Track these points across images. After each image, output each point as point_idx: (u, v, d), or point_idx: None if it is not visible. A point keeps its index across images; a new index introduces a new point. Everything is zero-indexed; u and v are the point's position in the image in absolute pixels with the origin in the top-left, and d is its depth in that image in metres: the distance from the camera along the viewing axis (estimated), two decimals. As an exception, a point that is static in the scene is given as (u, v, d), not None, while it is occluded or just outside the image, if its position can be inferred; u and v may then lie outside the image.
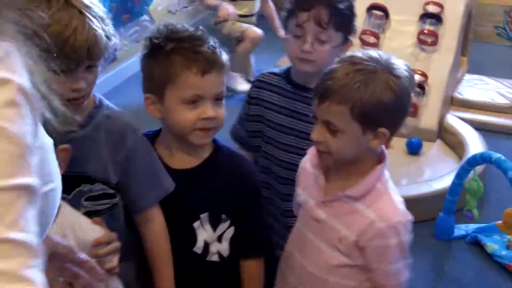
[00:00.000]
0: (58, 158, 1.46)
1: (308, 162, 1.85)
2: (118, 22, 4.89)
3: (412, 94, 1.73)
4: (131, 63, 4.88)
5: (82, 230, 1.59)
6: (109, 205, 1.79)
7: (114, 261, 1.61)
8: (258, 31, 4.75)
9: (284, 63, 3.82)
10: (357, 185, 1.70)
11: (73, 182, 1.73)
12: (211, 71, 1.76)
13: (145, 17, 5.35)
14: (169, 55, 1.76)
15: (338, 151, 1.68)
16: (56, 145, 1.49)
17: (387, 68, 1.65)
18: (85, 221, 1.63)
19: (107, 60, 1.76)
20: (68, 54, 1.58)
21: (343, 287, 1.76)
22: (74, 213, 1.63)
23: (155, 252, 1.82)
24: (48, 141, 1.06)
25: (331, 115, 1.65)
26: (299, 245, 1.84)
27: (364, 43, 4.15)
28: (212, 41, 1.80)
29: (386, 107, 1.64)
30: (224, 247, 1.90)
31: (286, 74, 2.15)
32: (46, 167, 1.02)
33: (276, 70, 2.23)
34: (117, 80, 4.82)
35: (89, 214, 1.72)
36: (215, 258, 1.90)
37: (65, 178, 1.59)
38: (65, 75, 1.56)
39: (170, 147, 1.87)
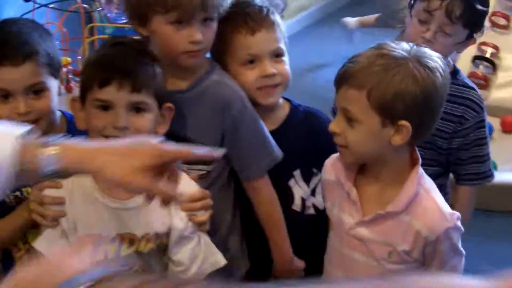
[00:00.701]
0: (163, 115, 1.62)
1: (330, 172, 1.76)
2: None
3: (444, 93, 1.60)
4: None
5: (180, 184, 1.61)
6: (205, 172, 1.83)
7: (205, 215, 1.68)
8: None
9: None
10: (397, 198, 1.61)
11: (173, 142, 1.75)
12: (260, 29, 1.83)
13: None
14: (219, 25, 1.81)
15: (356, 144, 1.59)
16: (162, 103, 1.59)
17: (417, 58, 1.56)
18: (183, 176, 1.66)
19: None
20: (183, 4, 1.67)
21: None
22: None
23: (268, 217, 1.89)
24: None
25: (348, 101, 1.57)
26: (341, 264, 1.75)
27: (494, 25, 4.01)
28: (259, 2, 1.87)
29: (407, 98, 1.53)
30: (318, 200, 1.94)
31: None
32: None
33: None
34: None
35: None
36: (311, 211, 1.96)
37: (166, 137, 1.66)
38: (182, 26, 1.70)
39: None
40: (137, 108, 1.62)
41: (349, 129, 1.58)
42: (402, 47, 1.58)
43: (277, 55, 1.87)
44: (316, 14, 5.87)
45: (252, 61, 1.84)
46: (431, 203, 1.63)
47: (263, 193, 1.88)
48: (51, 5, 2.89)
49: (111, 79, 1.59)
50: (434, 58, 1.59)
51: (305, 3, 5.84)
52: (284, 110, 1.96)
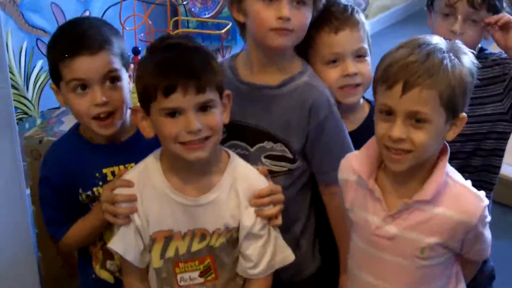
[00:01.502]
0: (224, 104, 1.63)
1: (348, 172, 1.70)
2: None
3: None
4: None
5: (249, 180, 1.69)
6: (286, 169, 1.84)
7: (274, 209, 1.68)
8: None
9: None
10: (425, 186, 1.57)
11: (258, 137, 1.80)
12: (344, 28, 1.83)
13: None
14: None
15: (424, 145, 1.53)
16: (222, 93, 1.60)
17: (455, 50, 1.56)
18: (252, 171, 1.72)
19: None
20: None
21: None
22: (242, 162, 1.72)
23: (341, 223, 1.85)
24: None
25: (420, 103, 1.50)
26: (370, 267, 1.70)
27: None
28: (344, 0, 1.86)
29: (467, 91, 1.55)
30: None
31: None
32: None
33: None
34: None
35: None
36: None
37: (252, 131, 1.76)
38: (271, 2, 1.70)
39: None
40: (205, 107, 1.59)
41: (416, 131, 1.53)
42: (437, 40, 1.57)
43: (360, 55, 1.86)
44: (398, 14, 5.82)
45: (335, 60, 1.84)
46: (462, 189, 1.61)
47: (339, 199, 1.83)
48: (139, -3, 2.95)
49: (175, 86, 1.55)
50: (464, 47, 1.60)
51: (387, 3, 5.80)
52: (364, 111, 1.95)
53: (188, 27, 3.16)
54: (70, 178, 1.81)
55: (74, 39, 1.72)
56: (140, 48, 3.00)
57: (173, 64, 1.57)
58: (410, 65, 1.51)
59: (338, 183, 1.78)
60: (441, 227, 1.59)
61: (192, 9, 3.16)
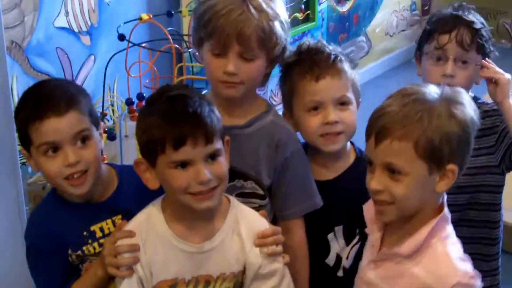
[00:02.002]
0: (225, 150, 1.62)
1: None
2: (334, 40, 5.09)
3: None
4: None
5: (250, 222, 1.69)
6: (257, 206, 1.84)
7: (278, 248, 1.69)
8: None
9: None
10: (407, 241, 1.55)
11: (229, 175, 1.77)
12: (325, 76, 1.83)
13: (362, 37, 5.52)
14: (289, 68, 1.86)
15: (403, 198, 1.51)
16: (223, 135, 1.61)
17: (448, 97, 1.53)
18: (252, 214, 1.72)
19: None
20: (218, 33, 1.70)
21: None
22: (243, 206, 1.73)
23: (294, 260, 1.84)
24: None
25: (392, 155, 1.49)
26: None
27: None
28: (330, 49, 1.87)
29: (452, 140, 1.49)
30: (349, 263, 1.92)
31: None
32: None
33: None
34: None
35: None
36: (340, 273, 1.94)
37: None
38: (219, 56, 1.73)
39: (310, 159, 1.90)
40: (213, 156, 1.58)
41: (394, 183, 1.50)
42: (430, 89, 1.55)
43: (342, 103, 1.85)
44: (401, 57, 5.86)
45: (316, 107, 1.84)
46: (444, 255, 1.54)
47: (295, 236, 1.85)
48: (144, 44, 2.97)
49: (185, 138, 1.53)
50: (462, 93, 1.57)
51: (390, 46, 5.84)
52: (348, 160, 1.94)
53: (193, 73, 3.18)
54: (56, 242, 1.77)
55: (40, 102, 1.70)
56: (144, 94, 3.02)
57: (181, 115, 1.55)
58: (384, 116, 1.51)
59: (296, 218, 1.84)
60: (411, 286, 1.55)
61: (197, 54, 3.18)
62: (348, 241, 1.92)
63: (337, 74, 1.85)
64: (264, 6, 1.75)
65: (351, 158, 1.95)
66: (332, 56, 1.86)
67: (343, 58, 1.88)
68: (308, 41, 1.93)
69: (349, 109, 1.86)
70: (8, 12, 3.04)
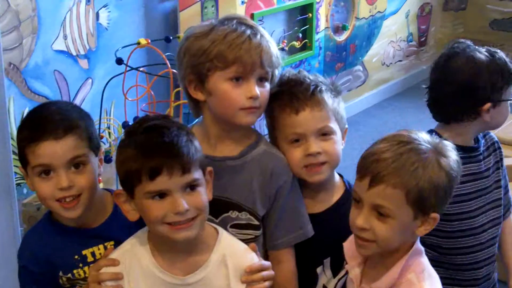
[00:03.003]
0: (207, 181, 1.61)
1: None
2: (331, 69, 5.14)
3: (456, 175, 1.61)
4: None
5: (238, 257, 1.67)
6: (252, 236, 1.82)
7: (264, 284, 1.67)
8: None
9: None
10: (384, 278, 1.59)
11: (222, 207, 1.79)
12: (304, 108, 1.82)
13: (359, 67, 5.54)
14: (271, 100, 1.83)
15: (385, 239, 1.56)
16: (204, 170, 1.60)
17: (438, 149, 1.57)
18: (242, 247, 1.70)
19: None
20: (243, 59, 1.71)
21: None
22: (231, 239, 1.71)
23: None
24: None
25: (384, 199, 1.54)
26: None
27: None
28: (311, 80, 1.86)
29: (440, 191, 1.55)
30: None
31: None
32: None
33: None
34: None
35: None
36: None
37: (216, 202, 1.71)
38: (240, 82, 1.73)
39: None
40: (192, 186, 1.57)
41: (379, 224, 1.55)
42: (423, 138, 1.58)
43: (324, 133, 1.84)
44: (396, 88, 5.90)
45: (298, 139, 1.84)
46: None
47: (284, 266, 1.83)
48: (141, 68, 2.99)
49: (160, 168, 1.52)
50: (448, 146, 1.60)
51: (386, 76, 5.88)
52: (338, 193, 1.93)
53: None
54: (47, 265, 1.78)
55: (39, 124, 1.70)
56: (141, 118, 3.03)
57: (156, 146, 1.55)
58: (381, 162, 1.54)
59: (286, 248, 1.83)
60: None
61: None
62: (335, 273, 1.91)
63: (317, 105, 1.83)
64: (266, 33, 1.80)
65: (340, 190, 1.94)
66: (312, 87, 1.84)
67: (323, 88, 1.85)
68: (288, 71, 1.92)
69: (332, 139, 1.85)
70: (6, 34, 3.06)
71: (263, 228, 1.84)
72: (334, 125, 1.85)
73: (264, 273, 1.68)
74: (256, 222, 1.82)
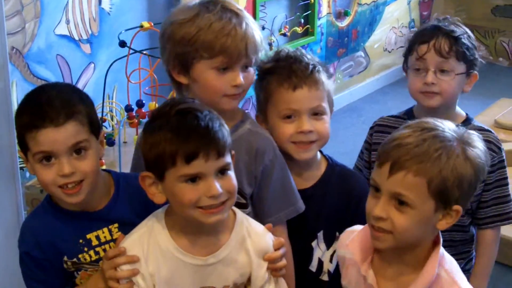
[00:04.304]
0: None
1: (346, 250, 1.66)
2: (333, 55, 5.15)
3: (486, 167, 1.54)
4: (340, 97, 5.00)
5: (258, 236, 1.70)
6: (243, 202, 1.84)
7: (282, 262, 1.70)
8: None
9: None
10: (418, 281, 1.51)
11: None
12: (302, 86, 1.85)
13: (361, 53, 5.56)
14: (266, 75, 1.87)
15: (403, 230, 1.48)
16: (231, 149, 1.61)
17: (462, 137, 1.50)
18: (260, 228, 1.72)
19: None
20: (230, 50, 1.72)
21: None
22: (248, 218, 1.72)
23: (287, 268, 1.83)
24: None
25: (404, 187, 1.47)
26: None
27: None
28: (309, 59, 1.89)
29: (465, 183, 1.48)
30: (333, 266, 1.91)
31: (409, 115, 2.14)
32: None
33: (395, 113, 2.23)
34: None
35: None
36: (325, 277, 1.94)
37: None
38: (225, 71, 1.75)
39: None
40: (223, 170, 1.57)
41: (398, 214, 1.48)
42: (448, 126, 1.52)
43: (317, 113, 1.87)
44: (398, 73, 5.89)
45: (291, 116, 1.87)
46: (454, 286, 1.52)
47: (286, 240, 1.84)
48: (144, 51, 2.99)
49: (197, 152, 1.52)
50: (476, 136, 1.54)
51: (387, 62, 5.88)
52: (320, 169, 1.96)
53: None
54: (52, 250, 1.76)
55: (39, 110, 1.66)
56: (144, 102, 3.04)
57: (192, 130, 1.54)
58: (402, 147, 1.48)
59: (279, 224, 1.84)
60: None
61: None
62: (328, 245, 1.94)
63: (314, 84, 1.86)
64: (251, 18, 1.81)
65: (323, 166, 1.97)
66: (311, 66, 1.87)
67: (320, 69, 1.89)
68: (287, 48, 1.95)
69: (323, 119, 1.88)
70: (9, 18, 3.07)
71: (251, 207, 1.86)
72: (326, 106, 1.89)
73: (282, 250, 1.70)
74: (243, 201, 1.84)
